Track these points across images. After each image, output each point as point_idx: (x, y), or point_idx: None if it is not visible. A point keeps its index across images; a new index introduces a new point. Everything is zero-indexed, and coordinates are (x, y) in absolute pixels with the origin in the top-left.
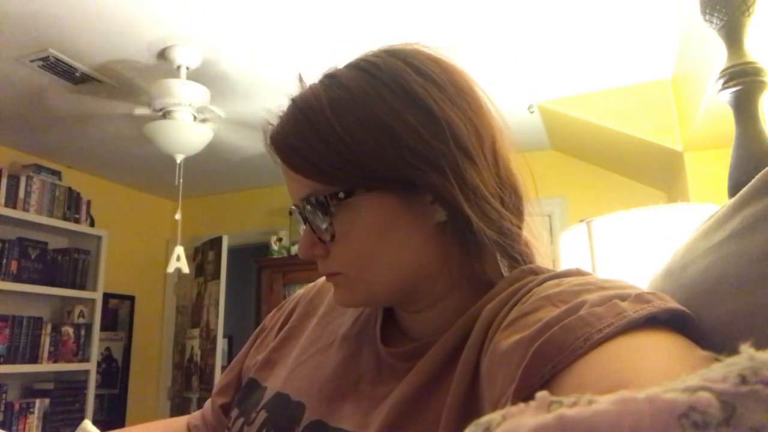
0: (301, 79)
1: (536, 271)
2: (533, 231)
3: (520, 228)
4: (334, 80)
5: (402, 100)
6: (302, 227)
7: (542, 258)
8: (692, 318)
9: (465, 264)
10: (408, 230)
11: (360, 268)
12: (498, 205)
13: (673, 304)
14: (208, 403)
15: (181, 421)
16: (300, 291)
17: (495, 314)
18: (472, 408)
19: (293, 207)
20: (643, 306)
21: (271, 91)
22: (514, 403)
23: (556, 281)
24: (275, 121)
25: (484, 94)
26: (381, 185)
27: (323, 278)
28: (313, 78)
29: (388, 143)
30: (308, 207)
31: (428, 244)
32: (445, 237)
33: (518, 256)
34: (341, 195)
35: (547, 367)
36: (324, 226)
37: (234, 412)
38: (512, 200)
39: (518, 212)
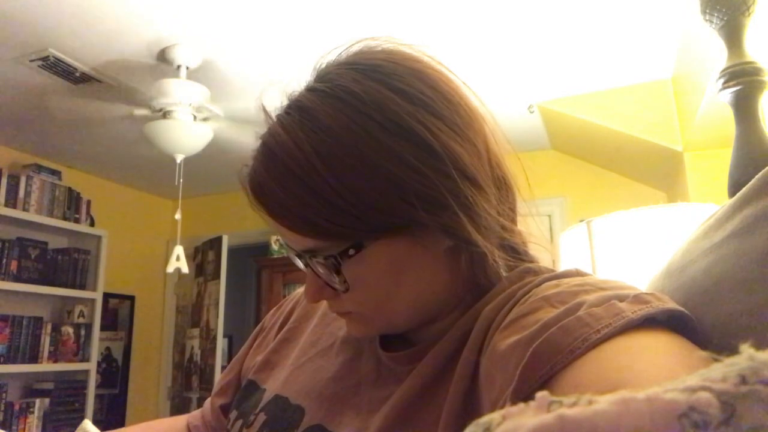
0: (265, 111)
1: (535, 271)
2: (532, 230)
3: (515, 224)
4: (310, 117)
5: (397, 138)
6: (300, 263)
7: (539, 254)
8: (691, 318)
9: (471, 279)
10: (420, 265)
11: (376, 308)
12: (503, 221)
13: (671, 305)
14: (207, 403)
15: (181, 420)
16: (299, 290)
17: (494, 315)
18: (471, 409)
19: (287, 247)
20: (641, 307)
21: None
22: (512, 403)
23: (554, 282)
24: (250, 163)
25: (469, 91)
26: (389, 233)
27: None
28: (311, 76)
29: (393, 191)
30: (312, 259)
31: (439, 271)
32: (453, 259)
33: (522, 259)
34: (351, 252)
35: (545, 368)
36: (335, 280)
37: (233, 414)
38: (508, 199)
39: (513, 209)
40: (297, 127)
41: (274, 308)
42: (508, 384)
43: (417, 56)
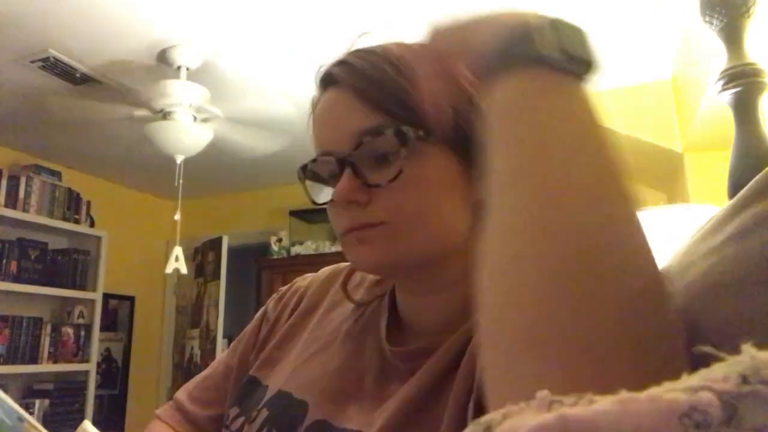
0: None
1: None
2: None
3: None
4: (403, 45)
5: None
6: (317, 186)
7: None
8: None
9: None
10: (460, 195)
11: (411, 217)
12: None
13: None
14: (184, 394)
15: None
16: (301, 283)
17: None
18: (474, 411)
19: (322, 158)
20: None
21: (271, 91)
22: None
23: None
24: (327, 64)
25: None
26: (452, 137)
27: (326, 271)
28: (312, 77)
29: (465, 101)
30: (368, 144)
31: (467, 217)
32: (479, 217)
33: None
34: (421, 132)
35: None
36: (389, 166)
37: (233, 410)
38: None
39: None
40: (396, 43)
41: (275, 299)
42: None
43: None
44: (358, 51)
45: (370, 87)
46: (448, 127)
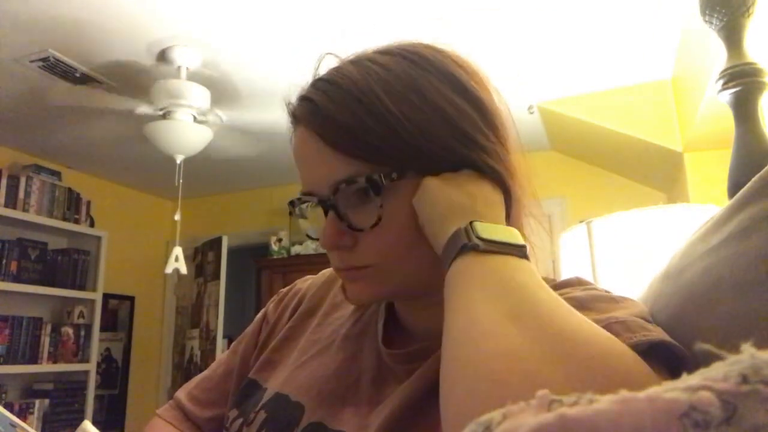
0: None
1: None
2: (534, 228)
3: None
4: (373, 64)
5: (451, 88)
6: (307, 226)
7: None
8: (675, 346)
9: None
10: None
11: (398, 258)
12: (533, 198)
13: (654, 336)
14: (183, 394)
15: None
16: (301, 285)
17: None
18: None
19: (306, 197)
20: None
21: (271, 91)
22: None
23: (561, 292)
24: (295, 98)
25: (496, 93)
26: (432, 168)
27: (326, 273)
28: (311, 77)
29: (442, 126)
30: (344, 191)
31: None
32: None
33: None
34: (394, 175)
35: None
36: (369, 210)
37: (233, 413)
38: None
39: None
40: (360, 67)
41: (275, 300)
42: None
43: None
44: (322, 83)
45: (338, 133)
46: (423, 157)
